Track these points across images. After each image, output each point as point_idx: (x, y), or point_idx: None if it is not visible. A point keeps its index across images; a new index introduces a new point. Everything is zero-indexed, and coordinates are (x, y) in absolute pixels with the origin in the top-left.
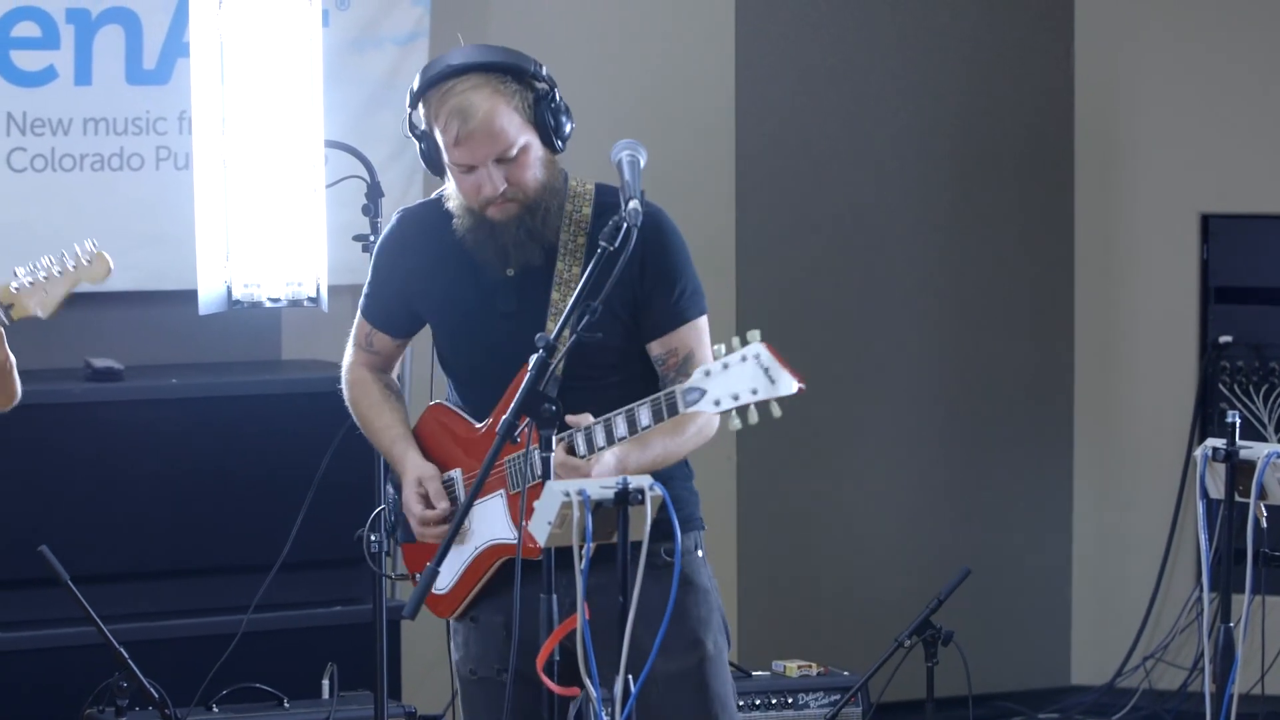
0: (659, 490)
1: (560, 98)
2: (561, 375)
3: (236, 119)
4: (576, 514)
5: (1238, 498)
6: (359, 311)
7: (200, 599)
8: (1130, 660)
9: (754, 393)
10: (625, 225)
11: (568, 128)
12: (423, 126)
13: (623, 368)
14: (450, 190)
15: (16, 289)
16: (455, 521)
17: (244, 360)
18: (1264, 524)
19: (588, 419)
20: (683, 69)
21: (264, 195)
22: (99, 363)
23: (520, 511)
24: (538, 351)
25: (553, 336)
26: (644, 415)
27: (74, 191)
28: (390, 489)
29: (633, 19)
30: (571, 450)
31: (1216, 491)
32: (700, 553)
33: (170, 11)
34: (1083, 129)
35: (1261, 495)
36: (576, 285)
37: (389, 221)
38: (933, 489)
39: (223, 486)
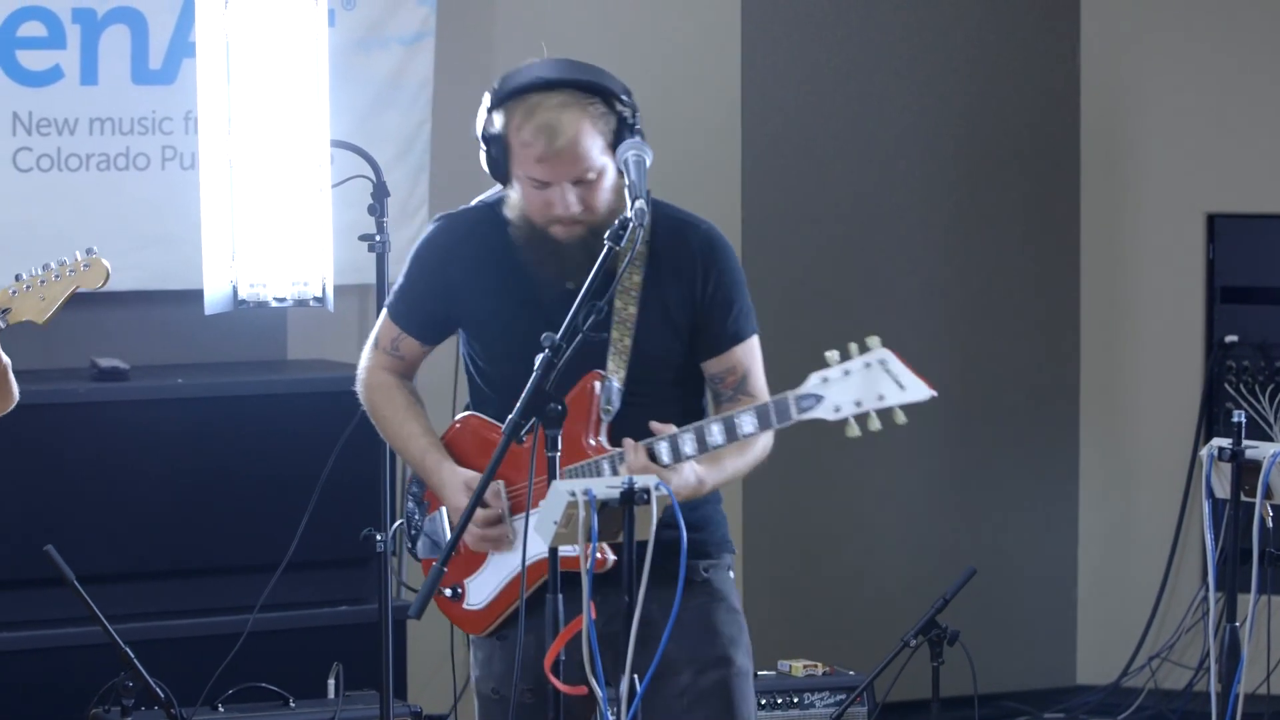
0: (664, 490)
1: (639, 124)
2: (623, 387)
3: (242, 119)
4: (582, 514)
5: (1243, 497)
6: (385, 314)
7: (206, 598)
8: (1136, 660)
9: (880, 399)
10: (631, 224)
11: (648, 160)
12: (496, 131)
13: (684, 382)
14: (514, 200)
15: (13, 293)
16: (458, 528)
17: (249, 360)
18: (1270, 523)
19: (672, 428)
20: (689, 68)
21: (270, 195)
22: (104, 362)
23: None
24: (543, 351)
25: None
26: (746, 423)
27: (80, 191)
28: (410, 503)
29: (638, 18)
30: (652, 457)
31: (1222, 491)
32: (731, 574)
33: (176, 11)
34: (1088, 128)
35: (1267, 495)
36: (637, 293)
37: (429, 225)
38: (938, 488)
39: (228, 486)
